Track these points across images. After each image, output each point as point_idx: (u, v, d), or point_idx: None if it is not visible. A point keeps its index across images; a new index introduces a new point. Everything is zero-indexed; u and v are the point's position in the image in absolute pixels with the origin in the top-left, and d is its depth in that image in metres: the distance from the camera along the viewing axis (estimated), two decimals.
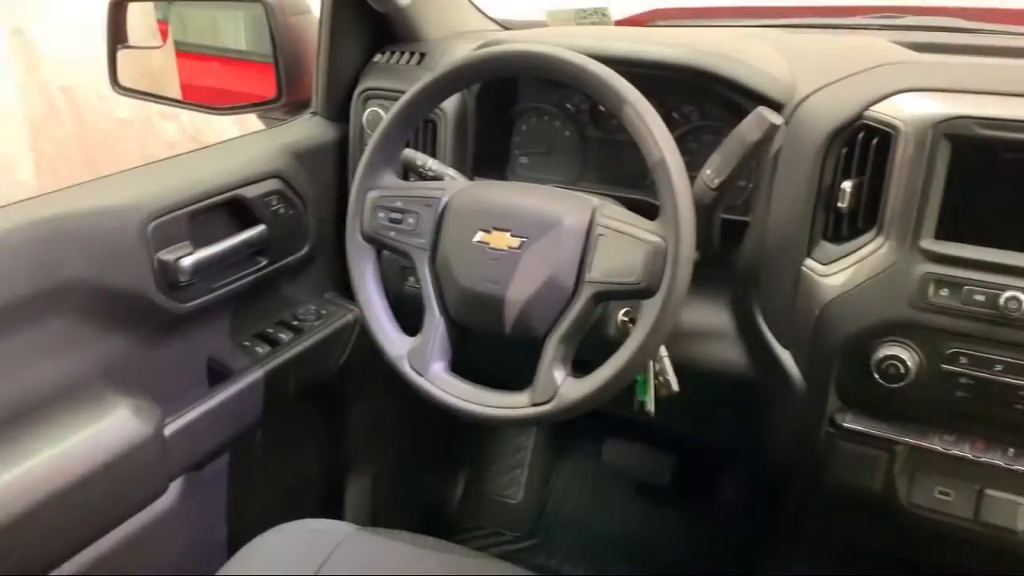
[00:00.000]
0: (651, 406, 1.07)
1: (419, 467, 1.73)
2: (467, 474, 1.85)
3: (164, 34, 1.69)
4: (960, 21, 1.32)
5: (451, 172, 1.14)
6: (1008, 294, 0.89)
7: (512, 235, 0.97)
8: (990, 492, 0.97)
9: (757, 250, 1.08)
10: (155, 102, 1.60)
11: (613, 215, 0.95)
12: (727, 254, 1.12)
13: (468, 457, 1.85)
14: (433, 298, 1.02)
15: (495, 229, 0.97)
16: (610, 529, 1.74)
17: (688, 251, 0.89)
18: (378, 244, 1.06)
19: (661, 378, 1.06)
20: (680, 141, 1.18)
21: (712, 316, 1.17)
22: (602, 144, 1.25)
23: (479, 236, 0.98)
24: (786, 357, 1.07)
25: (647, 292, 0.90)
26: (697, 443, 1.62)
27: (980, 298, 0.91)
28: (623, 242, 0.92)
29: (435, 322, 1.01)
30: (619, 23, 1.69)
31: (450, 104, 1.23)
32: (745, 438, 1.23)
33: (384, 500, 1.59)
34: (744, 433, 1.22)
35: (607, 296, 0.94)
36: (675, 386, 1.05)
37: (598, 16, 1.49)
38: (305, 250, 1.30)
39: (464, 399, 0.98)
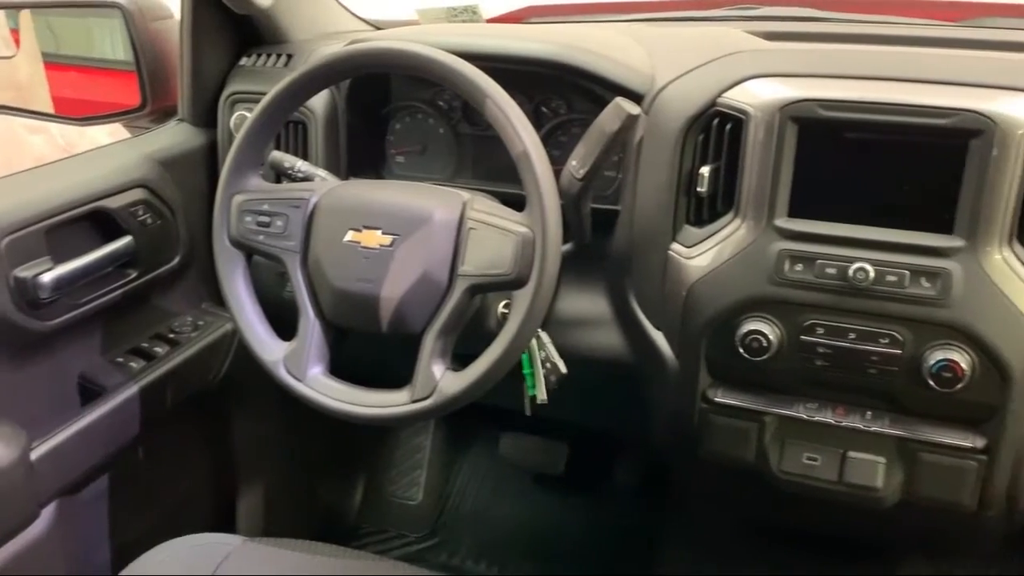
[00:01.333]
0: (543, 395, 1.09)
1: (314, 474, 1.71)
2: (365, 478, 1.83)
3: (17, 43, 1.61)
4: (812, 11, 1.38)
5: (321, 173, 1.13)
6: (856, 265, 0.94)
7: (383, 233, 0.97)
8: (852, 454, 1.02)
9: (627, 237, 1.11)
10: (8, 114, 1.52)
11: (483, 208, 0.96)
12: (601, 243, 1.15)
13: (365, 461, 1.84)
14: (307, 300, 1.01)
15: (365, 227, 0.97)
16: (511, 522, 1.76)
17: (555, 240, 0.91)
18: (247, 249, 1.04)
19: (549, 364, 1.08)
20: (551, 135, 1.21)
21: (591, 304, 1.20)
22: (476, 140, 1.26)
23: (350, 235, 0.98)
24: (659, 338, 1.10)
25: (518, 282, 0.92)
26: (589, 431, 1.65)
27: (832, 271, 0.96)
28: (493, 234, 0.93)
29: (310, 325, 1.00)
30: (494, 20, 1.71)
31: (319, 105, 1.22)
32: (630, 421, 1.27)
33: (278, 510, 1.56)
34: (628, 416, 1.25)
35: (481, 289, 0.96)
36: (563, 368, 1.07)
37: (469, 14, 1.51)
38: (177, 260, 1.27)
39: (342, 401, 0.97)
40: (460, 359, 0.97)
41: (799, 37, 1.19)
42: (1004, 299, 0.91)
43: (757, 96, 0.99)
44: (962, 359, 0.93)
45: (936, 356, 0.93)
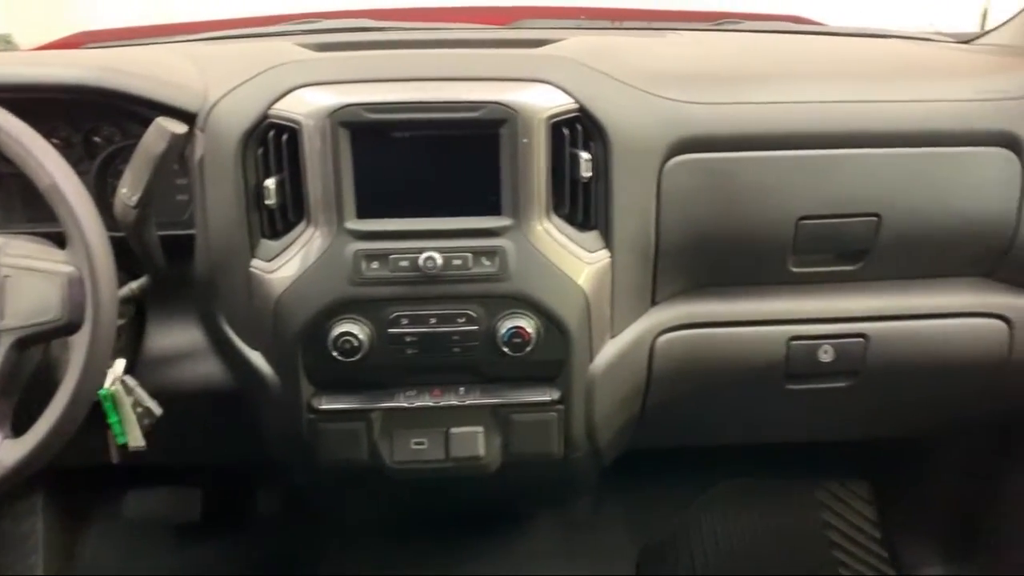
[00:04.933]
0: (138, 441, 1.01)
1: None
2: None
3: None
4: (368, 21, 1.44)
5: None
6: (425, 255, 1.00)
7: None
8: (454, 430, 1.08)
9: (207, 260, 1.08)
10: None
11: (19, 252, 0.87)
12: (184, 270, 1.10)
13: None
14: None
15: None
16: None
17: (106, 274, 0.85)
18: None
19: (140, 408, 1.01)
20: (108, 164, 1.13)
21: (184, 336, 1.15)
22: (14, 179, 1.13)
23: None
24: (256, 358, 1.09)
25: (72, 327, 0.85)
26: (220, 468, 1.57)
27: (404, 263, 1.01)
28: (34, 279, 0.85)
29: None
30: (46, 47, 1.56)
31: None
32: (250, 448, 1.23)
33: None
34: (247, 444, 1.22)
35: (31, 341, 0.87)
36: (157, 409, 1.02)
37: (2, 44, 1.36)
38: None
39: None
40: None
41: (351, 46, 1.24)
42: (551, 265, 1.03)
43: (306, 105, 1.00)
44: (528, 324, 1.03)
45: (506, 325, 1.03)
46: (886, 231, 1.10)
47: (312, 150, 1.00)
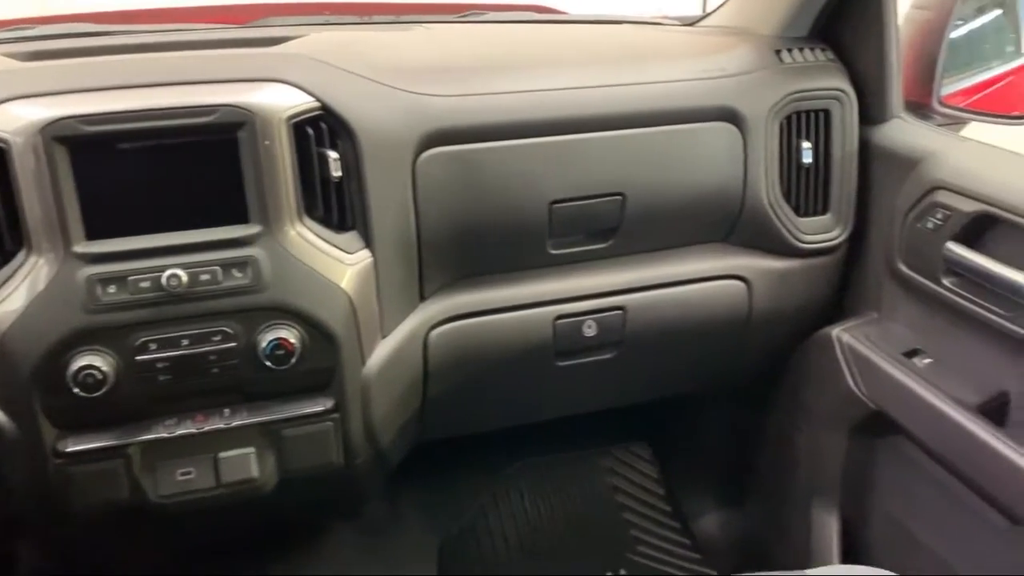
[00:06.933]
0: None
1: None
2: None
3: None
4: (90, 26, 1.33)
5: None
6: (168, 273, 0.94)
7: None
8: (223, 455, 1.03)
9: None
10: None
11: None
12: None
13: None
14: None
15: None
16: None
17: None
18: None
19: None
20: None
21: None
22: None
23: None
24: None
25: None
26: None
27: (146, 284, 0.94)
28: None
29: None
30: None
31: None
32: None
33: None
34: None
35: None
36: None
37: None
38: None
39: None
40: None
41: (66, 54, 1.13)
42: (309, 270, 1.00)
43: (13, 120, 0.91)
44: (290, 334, 0.99)
45: (267, 338, 0.98)
46: (631, 208, 1.16)
47: (25, 171, 0.90)
